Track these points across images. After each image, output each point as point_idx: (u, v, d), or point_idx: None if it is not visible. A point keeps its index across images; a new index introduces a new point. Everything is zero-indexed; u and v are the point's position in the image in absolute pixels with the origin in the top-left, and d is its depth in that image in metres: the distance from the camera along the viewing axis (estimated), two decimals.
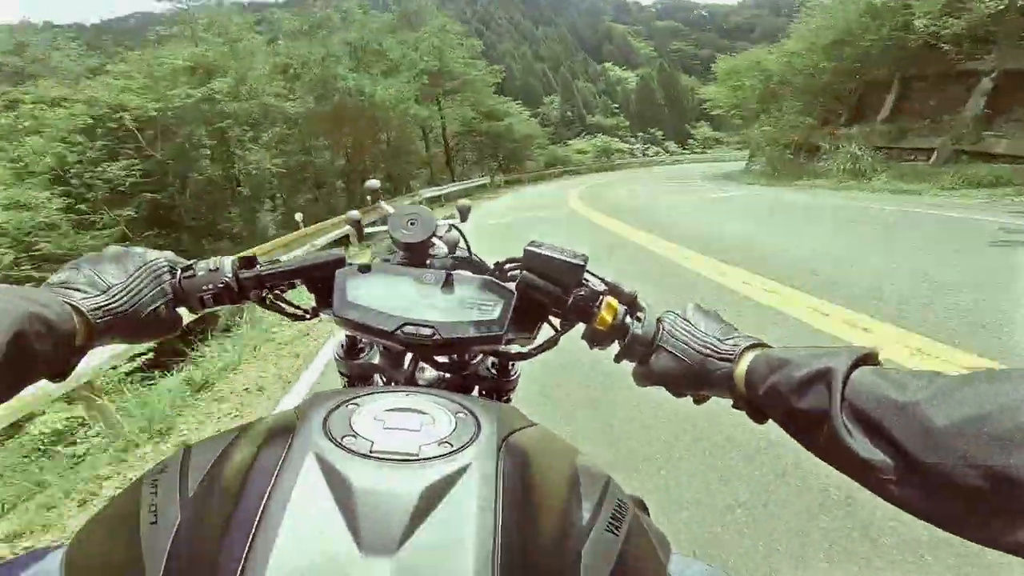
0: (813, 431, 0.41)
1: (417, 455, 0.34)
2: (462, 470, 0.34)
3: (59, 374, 0.46)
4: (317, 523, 0.30)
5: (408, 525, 0.30)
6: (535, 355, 0.63)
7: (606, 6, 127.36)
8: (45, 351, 0.42)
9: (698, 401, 0.57)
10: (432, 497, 0.32)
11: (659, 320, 0.57)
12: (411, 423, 0.38)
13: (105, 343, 0.50)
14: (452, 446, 0.35)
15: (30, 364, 0.41)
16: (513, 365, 0.67)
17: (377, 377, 0.67)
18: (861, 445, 0.37)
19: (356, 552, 0.29)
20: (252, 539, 0.29)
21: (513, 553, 0.31)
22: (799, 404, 0.42)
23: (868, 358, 0.41)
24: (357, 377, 0.67)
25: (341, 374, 0.69)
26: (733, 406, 0.52)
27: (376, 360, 0.67)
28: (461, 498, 0.32)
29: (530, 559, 0.32)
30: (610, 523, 0.37)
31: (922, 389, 0.35)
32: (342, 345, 0.67)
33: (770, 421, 0.49)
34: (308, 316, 0.60)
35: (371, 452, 0.34)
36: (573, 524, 0.35)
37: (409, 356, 0.58)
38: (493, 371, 0.67)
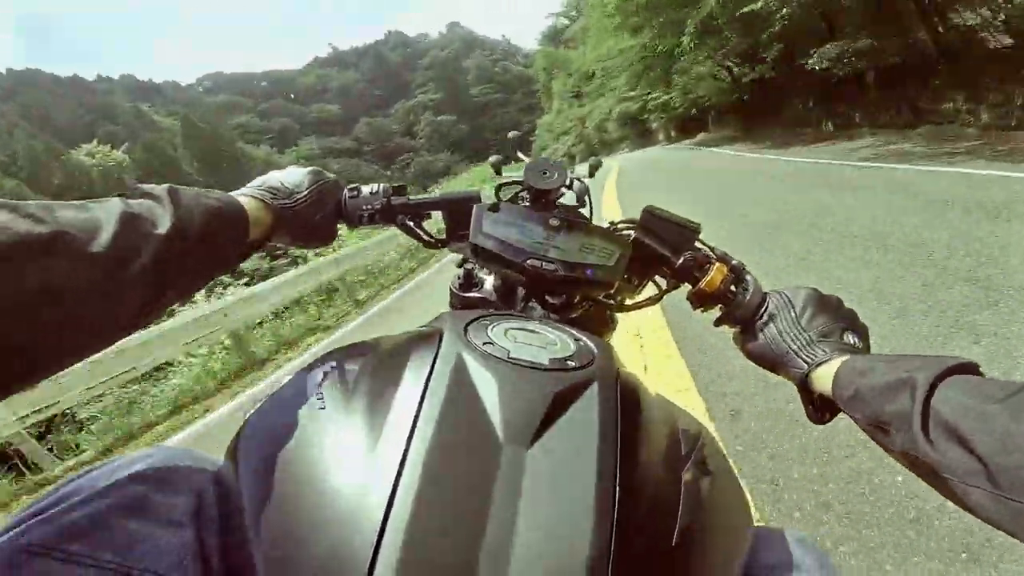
0: (894, 437, 0.40)
1: (547, 366, 0.39)
2: (587, 383, 0.38)
3: (236, 262, 0.50)
4: (466, 415, 0.34)
5: (543, 422, 0.34)
6: (636, 309, 0.67)
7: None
8: (227, 243, 0.47)
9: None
10: (562, 402, 0.36)
11: (766, 296, 0.57)
12: (538, 342, 0.42)
13: (275, 241, 0.57)
14: (576, 364, 0.40)
15: (215, 256, 0.45)
16: (612, 315, 0.70)
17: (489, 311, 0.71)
18: (938, 449, 0.36)
19: (500, 439, 0.33)
20: (413, 427, 0.33)
21: (631, 460, 0.34)
22: (882, 409, 0.41)
23: (963, 367, 0.40)
24: (471, 308, 0.72)
25: (453, 306, 0.72)
26: (802, 399, 0.53)
27: (488, 295, 0.70)
28: (587, 407, 0.36)
29: (646, 468, 0.35)
30: (705, 461, 0.40)
31: (1006, 398, 0.34)
32: (458, 278, 0.71)
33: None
34: (440, 245, 0.67)
35: (508, 358, 0.39)
36: (676, 454, 0.39)
37: (522, 292, 0.62)
38: (593, 318, 0.69)
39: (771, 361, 0.54)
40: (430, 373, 0.37)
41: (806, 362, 0.51)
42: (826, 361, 0.49)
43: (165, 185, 0.44)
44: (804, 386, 0.51)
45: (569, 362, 0.39)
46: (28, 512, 0.31)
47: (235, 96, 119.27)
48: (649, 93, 24.32)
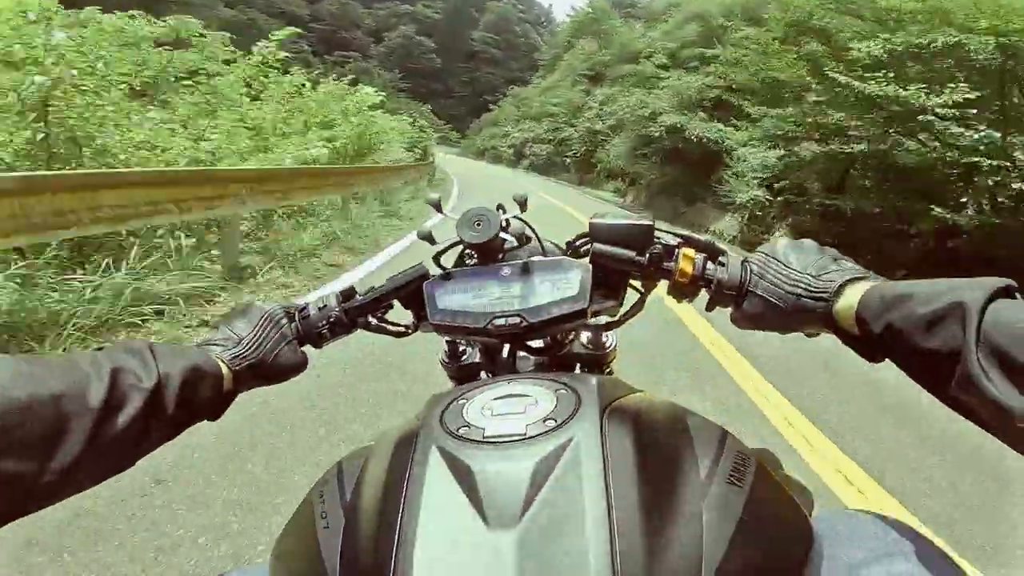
0: (942, 374, 0.36)
1: (525, 435, 0.37)
2: (567, 443, 0.36)
3: (214, 415, 0.53)
4: (448, 507, 0.34)
5: (525, 499, 0.33)
6: (624, 322, 0.65)
7: None
8: (204, 397, 0.50)
9: (810, 335, 0.53)
10: (543, 471, 0.34)
11: (744, 262, 0.55)
12: (516, 407, 0.41)
13: (248, 387, 0.57)
14: (556, 421, 0.38)
15: (192, 409, 0.49)
16: (607, 336, 0.70)
17: (483, 374, 0.70)
18: (1000, 388, 0.32)
19: (484, 528, 0.32)
20: (400, 529, 0.33)
21: (628, 514, 0.32)
22: (926, 343, 0.37)
23: (1006, 290, 0.36)
24: (464, 377, 0.71)
25: (450, 378, 0.73)
26: (844, 343, 0.48)
27: (478, 358, 0.70)
28: (570, 469, 0.34)
29: (648, 519, 0.33)
30: (731, 476, 0.37)
31: None
32: (445, 351, 0.70)
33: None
34: (410, 331, 0.64)
35: (484, 438, 0.38)
36: (690, 481, 0.36)
37: (507, 347, 0.60)
38: (589, 346, 0.69)
39: (783, 317, 0.50)
40: (408, 475, 0.36)
41: (823, 298, 0.47)
42: (847, 284, 0.47)
43: (144, 341, 0.49)
44: (834, 325, 0.47)
45: (550, 421, 0.38)
46: None
47: None
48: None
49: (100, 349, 0.46)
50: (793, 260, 0.51)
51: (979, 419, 0.36)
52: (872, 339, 0.43)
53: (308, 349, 0.62)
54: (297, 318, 0.61)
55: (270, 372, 0.58)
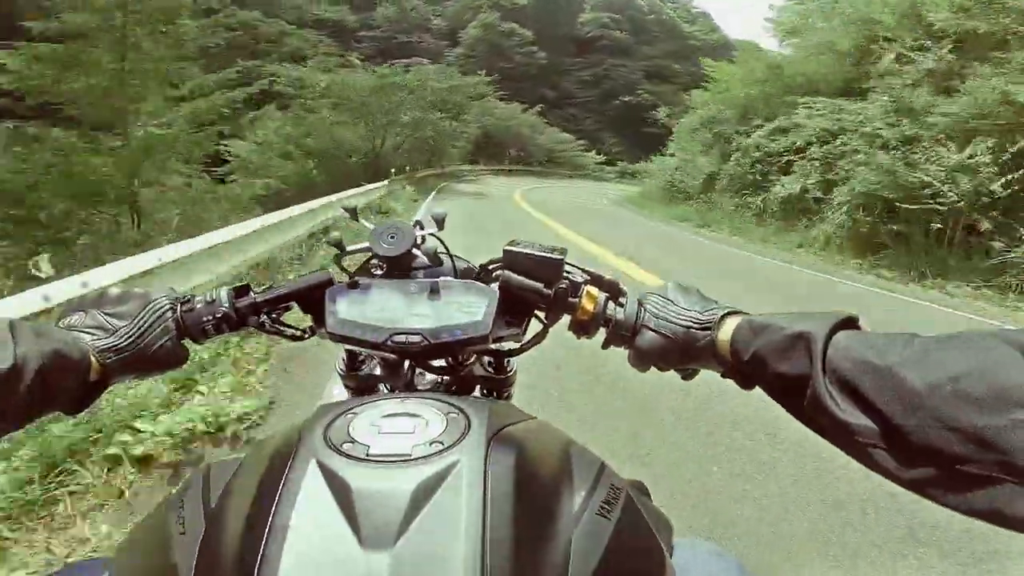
0: (796, 396, 0.41)
1: (410, 455, 0.37)
2: (451, 466, 0.36)
3: (76, 408, 0.50)
4: (321, 523, 0.33)
5: (403, 521, 0.33)
6: (525, 351, 0.66)
7: None
8: (64, 387, 0.46)
9: (686, 376, 0.59)
10: (424, 494, 0.34)
11: (639, 302, 0.58)
12: (405, 427, 0.41)
13: (118, 380, 0.54)
14: (443, 445, 0.38)
15: (50, 398, 0.45)
16: (508, 362, 0.70)
17: (381, 386, 0.70)
18: (843, 409, 0.37)
19: (357, 548, 0.32)
20: (265, 542, 0.32)
21: (502, 541, 0.33)
22: (782, 368, 0.42)
23: (848, 322, 0.42)
24: (361, 389, 0.71)
25: (346, 387, 0.72)
26: (722, 376, 0.53)
27: (377, 371, 0.70)
28: (451, 493, 0.34)
29: (519, 546, 0.33)
30: (602, 507, 0.39)
31: (900, 351, 0.36)
32: (343, 359, 0.70)
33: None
34: (306, 336, 0.63)
35: (368, 456, 0.37)
36: (564, 511, 0.37)
37: (407, 364, 0.60)
38: (490, 369, 0.70)
39: (672, 350, 0.54)
40: (282, 486, 0.35)
41: (708, 327, 0.52)
42: (726, 316, 0.52)
43: (6, 319, 0.44)
44: (716, 355, 0.52)
45: (436, 444, 0.38)
46: None
47: None
48: None
49: None
50: (680, 299, 0.57)
51: (830, 437, 0.40)
52: (743, 367, 0.48)
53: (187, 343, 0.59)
54: (180, 310, 0.58)
55: (146, 366, 0.55)
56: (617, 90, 50.25)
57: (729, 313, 0.53)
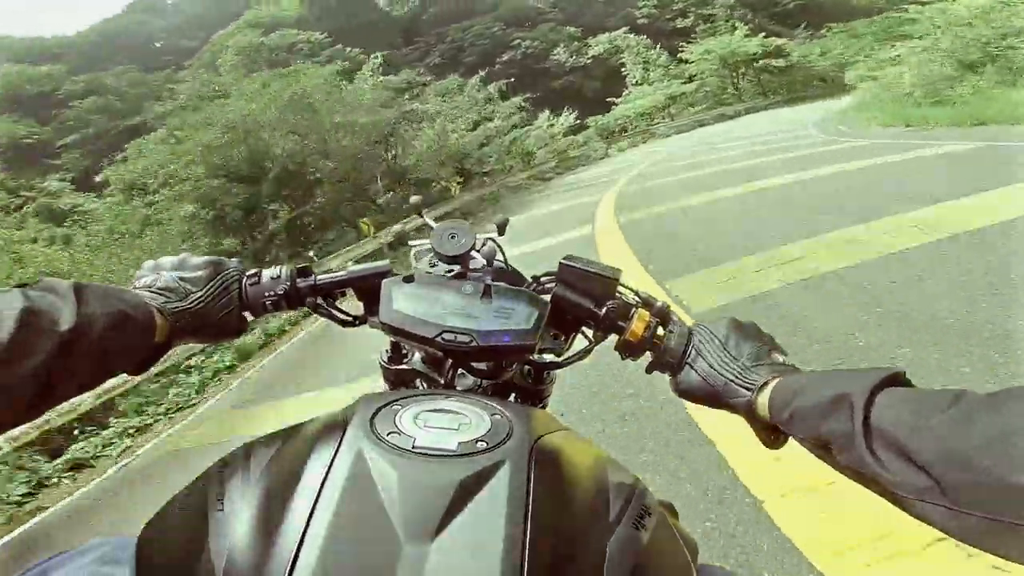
0: (839, 455, 0.41)
1: (455, 451, 0.38)
2: (496, 466, 0.37)
3: (139, 369, 0.51)
4: (364, 510, 0.34)
5: (445, 515, 0.33)
6: (567, 365, 0.66)
7: None
8: (130, 347, 0.47)
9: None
10: (468, 490, 0.35)
11: (690, 334, 0.58)
12: (450, 423, 0.41)
13: (180, 344, 0.55)
14: (487, 444, 0.38)
15: (116, 359, 0.46)
16: (547, 373, 0.70)
17: (419, 382, 0.70)
18: (886, 467, 0.37)
19: (398, 537, 0.32)
20: (307, 525, 0.33)
21: (542, 542, 0.33)
22: (821, 430, 0.42)
23: (893, 379, 0.41)
24: (400, 382, 0.71)
25: (385, 379, 0.73)
26: (754, 430, 0.53)
27: (418, 366, 0.70)
28: (495, 492, 0.35)
29: (557, 550, 0.34)
30: (636, 521, 0.39)
31: (946, 410, 0.35)
32: (387, 351, 0.71)
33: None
34: (357, 323, 0.65)
35: (413, 448, 0.38)
36: (600, 520, 0.38)
37: (449, 362, 0.61)
38: (528, 379, 0.70)
39: (711, 396, 0.55)
40: (328, 470, 0.36)
41: (747, 388, 0.52)
42: (767, 384, 0.51)
43: (70, 281, 0.44)
44: (751, 414, 0.52)
45: (480, 443, 0.39)
46: None
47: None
48: None
49: (23, 286, 0.42)
50: (731, 343, 0.55)
51: (872, 489, 0.41)
52: (782, 426, 0.48)
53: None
54: (245, 282, 0.61)
55: (209, 333, 0.56)
56: None
57: (775, 376, 0.51)
